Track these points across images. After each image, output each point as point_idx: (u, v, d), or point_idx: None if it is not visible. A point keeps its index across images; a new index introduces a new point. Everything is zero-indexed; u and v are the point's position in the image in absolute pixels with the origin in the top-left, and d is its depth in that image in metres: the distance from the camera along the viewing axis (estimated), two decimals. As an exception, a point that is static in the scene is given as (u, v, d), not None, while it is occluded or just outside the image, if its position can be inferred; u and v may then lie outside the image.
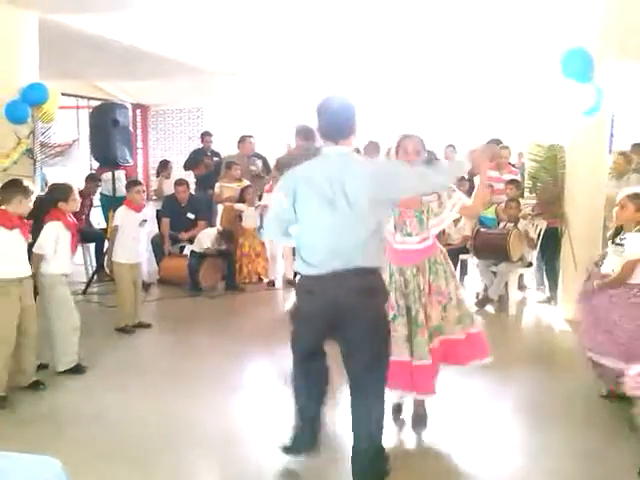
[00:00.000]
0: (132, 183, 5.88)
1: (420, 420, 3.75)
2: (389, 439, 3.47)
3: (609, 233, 4.36)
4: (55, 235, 4.43)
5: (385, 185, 2.85)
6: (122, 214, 5.62)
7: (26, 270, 4.13)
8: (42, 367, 4.49)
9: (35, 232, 4.33)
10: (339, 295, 2.82)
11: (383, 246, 3.07)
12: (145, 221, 5.89)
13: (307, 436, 3.20)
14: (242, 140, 8.61)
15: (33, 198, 4.10)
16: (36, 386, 4.22)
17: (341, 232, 2.82)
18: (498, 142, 8.07)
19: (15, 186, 4.06)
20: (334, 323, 2.90)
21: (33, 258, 4.31)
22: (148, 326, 5.76)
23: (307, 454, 3.21)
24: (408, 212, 3.51)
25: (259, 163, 8.63)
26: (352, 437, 2.98)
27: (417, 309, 3.49)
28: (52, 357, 4.53)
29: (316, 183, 2.86)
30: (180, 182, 7.77)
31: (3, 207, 4.02)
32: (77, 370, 4.55)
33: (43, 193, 5.23)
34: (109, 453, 3.36)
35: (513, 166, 8.05)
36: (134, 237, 5.65)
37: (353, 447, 2.99)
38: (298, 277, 3.21)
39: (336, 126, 2.91)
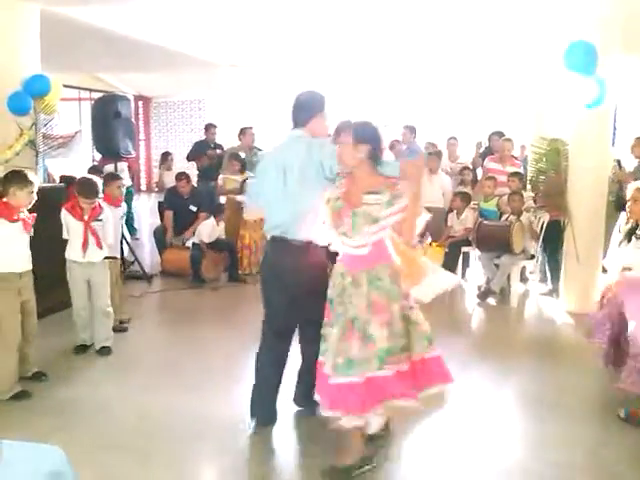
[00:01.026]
0: (109, 177, 5.56)
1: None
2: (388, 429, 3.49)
3: (625, 227, 4.31)
4: (64, 221, 4.63)
5: (315, 163, 3.21)
6: (107, 212, 5.23)
7: (26, 264, 4.10)
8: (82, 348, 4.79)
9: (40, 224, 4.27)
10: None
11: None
12: (124, 216, 5.82)
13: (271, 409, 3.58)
14: (242, 132, 8.63)
15: (34, 189, 4.03)
16: (38, 377, 4.25)
17: (283, 204, 3.31)
18: (501, 134, 8.06)
19: (10, 177, 4.01)
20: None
21: None
22: (125, 330, 5.40)
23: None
24: (347, 210, 2.98)
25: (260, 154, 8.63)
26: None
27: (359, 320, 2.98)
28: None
29: (275, 162, 3.36)
30: (180, 176, 7.75)
31: (4, 199, 4.00)
32: (77, 350, 4.77)
33: (49, 184, 5.23)
34: (112, 444, 3.38)
35: (516, 159, 8.04)
36: (116, 232, 5.38)
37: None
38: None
39: (295, 114, 3.42)
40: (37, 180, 4.16)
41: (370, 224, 2.92)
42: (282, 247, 3.39)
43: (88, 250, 4.64)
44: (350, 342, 2.93)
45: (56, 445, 1.93)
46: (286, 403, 3.80)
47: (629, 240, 4.06)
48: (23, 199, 3.98)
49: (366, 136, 2.97)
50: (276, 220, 3.40)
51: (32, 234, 4.13)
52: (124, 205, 5.77)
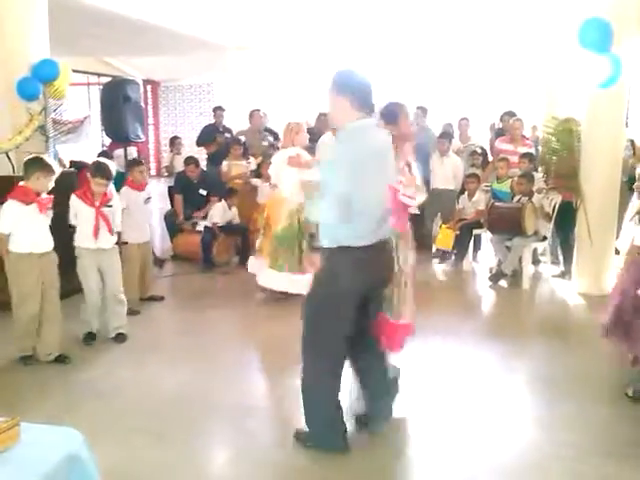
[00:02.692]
0: (134, 163, 5.84)
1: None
2: (401, 410, 3.50)
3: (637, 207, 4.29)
4: (73, 208, 4.61)
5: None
6: (126, 195, 5.52)
7: (46, 245, 4.19)
8: (90, 336, 4.76)
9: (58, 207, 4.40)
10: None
11: None
12: (149, 198, 5.88)
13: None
14: (251, 114, 8.63)
15: (54, 177, 4.14)
16: (61, 360, 4.30)
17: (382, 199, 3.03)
18: (512, 114, 7.96)
19: (35, 163, 4.12)
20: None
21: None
22: (161, 299, 5.84)
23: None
24: None
25: (270, 138, 8.62)
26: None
27: None
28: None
29: (370, 151, 2.93)
30: (189, 161, 7.75)
31: (22, 183, 4.11)
32: (87, 339, 4.75)
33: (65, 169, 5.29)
34: (127, 426, 3.41)
35: (527, 139, 7.94)
36: (141, 216, 5.64)
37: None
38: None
39: (367, 100, 2.99)
40: (58, 168, 4.24)
41: None
42: (382, 251, 3.05)
43: (99, 236, 4.64)
44: None
45: (73, 427, 1.96)
46: (289, 385, 3.82)
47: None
48: (45, 186, 4.12)
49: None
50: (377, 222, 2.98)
51: (50, 215, 4.21)
52: (148, 189, 5.82)
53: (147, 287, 5.80)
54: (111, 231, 4.72)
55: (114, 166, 4.86)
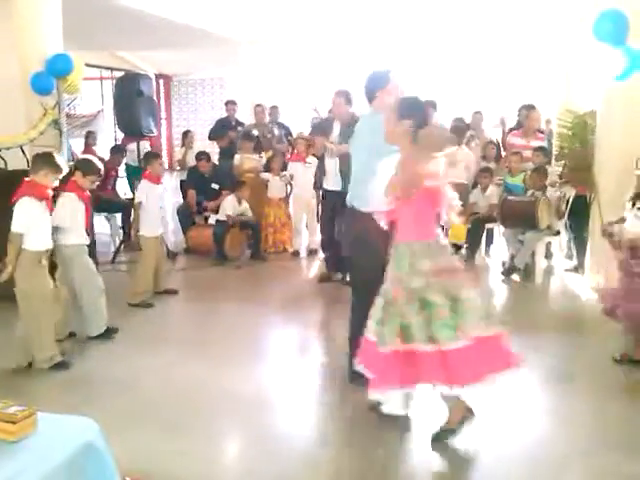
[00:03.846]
0: (152, 156, 5.82)
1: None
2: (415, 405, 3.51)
3: (629, 197, 4.32)
4: (70, 207, 4.41)
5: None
6: (145, 189, 5.56)
7: (50, 243, 4.13)
8: (71, 335, 4.62)
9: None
10: None
11: None
12: (165, 191, 5.92)
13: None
14: (254, 110, 8.72)
15: (60, 176, 4.09)
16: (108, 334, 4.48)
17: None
18: (531, 107, 7.85)
19: (46, 159, 4.03)
20: None
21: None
22: (175, 292, 5.87)
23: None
24: None
25: (276, 131, 8.64)
26: None
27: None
28: (82, 324, 4.62)
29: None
30: (200, 156, 7.78)
31: (30, 177, 4.02)
32: (108, 333, 4.66)
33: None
34: (142, 418, 3.45)
35: (541, 132, 7.85)
36: (158, 209, 5.69)
37: None
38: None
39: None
40: (65, 167, 4.19)
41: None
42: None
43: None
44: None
45: (89, 418, 1.98)
46: (302, 377, 3.85)
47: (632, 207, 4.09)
48: (51, 183, 4.04)
49: (409, 111, 3.12)
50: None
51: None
52: (164, 181, 5.86)
53: (160, 280, 5.83)
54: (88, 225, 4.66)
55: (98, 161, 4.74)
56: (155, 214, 5.63)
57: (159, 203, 5.76)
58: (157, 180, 5.65)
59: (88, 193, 4.59)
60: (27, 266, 3.97)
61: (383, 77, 3.68)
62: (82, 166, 4.55)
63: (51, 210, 4.16)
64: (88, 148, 9.32)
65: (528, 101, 8.32)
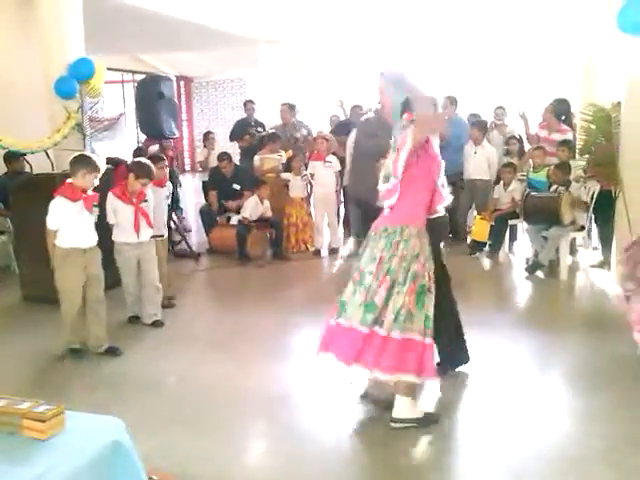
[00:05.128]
0: (154, 159, 5.58)
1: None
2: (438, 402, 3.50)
3: None
4: (111, 206, 4.72)
5: None
6: (149, 192, 5.34)
7: (90, 241, 4.29)
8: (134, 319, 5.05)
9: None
10: None
11: None
12: (169, 195, 5.87)
13: None
14: (280, 109, 8.71)
15: (98, 175, 4.21)
16: (112, 351, 4.41)
17: None
18: (564, 102, 7.72)
19: (81, 160, 4.20)
20: None
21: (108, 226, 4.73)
22: (174, 297, 5.65)
23: None
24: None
25: (304, 130, 8.65)
26: None
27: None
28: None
29: None
30: (222, 157, 7.82)
31: (70, 180, 4.21)
32: (132, 321, 5.00)
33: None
34: (167, 417, 3.48)
35: (565, 124, 7.61)
36: (162, 212, 5.55)
37: None
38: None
39: None
40: (103, 166, 4.31)
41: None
42: None
43: (140, 231, 4.78)
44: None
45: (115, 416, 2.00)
46: (326, 376, 3.85)
47: None
48: (90, 183, 4.18)
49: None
50: None
51: (95, 212, 4.30)
52: (169, 185, 5.86)
53: (165, 284, 5.51)
54: (150, 224, 4.87)
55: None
56: (160, 218, 5.45)
57: (164, 205, 5.62)
58: (160, 182, 5.50)
59: (134, 197, 4.77)
60: (57, 261, 4.22)
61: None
62: (135, 169, 4.78)
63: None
64: None
65: (550, 95, 8.22)
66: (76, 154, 4.35)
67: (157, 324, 4.98)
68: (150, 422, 3.37)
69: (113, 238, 4.81)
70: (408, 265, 3.13)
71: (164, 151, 8.79)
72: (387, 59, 11.11)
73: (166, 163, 5.84)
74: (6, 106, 6.53)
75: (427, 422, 3.28)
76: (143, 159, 5.08)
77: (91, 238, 4.30)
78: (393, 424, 3.24)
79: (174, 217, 7.30)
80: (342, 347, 3.25)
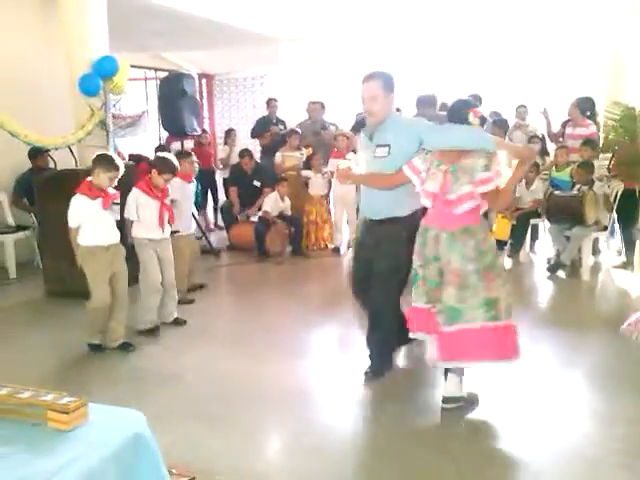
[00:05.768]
0: (183, 154, 5.82)
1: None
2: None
3: None
4: (135, 202, 4.70)
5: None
6: (179, 187, 5.54)
7: (112, 237, 4.32)
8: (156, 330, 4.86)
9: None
10: None
11: None
12: (194, 191, 6.01)
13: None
14: (309, 106, 8.70)
15: (118, 175, 4.23)
16: (125, 347, 4.45)
17: None
18: (588, 100, 7.62)
19: (98, 159, 4.25)
20: None
21: (126, 222, 4.72)
22: (202, 286, 5.93)
23: None
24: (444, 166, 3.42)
25: (332, 127, 8.64)
26: None
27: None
28: (134, 316, 4.79)
29: None
30: (243, 154, 7.86)
31: (89, 178, 4.27)
32: (153, 332, 4.78)
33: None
34: (187, 411, 3.52)
35: (587, 120, 7.46)
36: (189, 207, 5.74)
37: None
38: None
39: None
40: (122, 166, 4.31)
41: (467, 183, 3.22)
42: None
43: (164, 227, 4.81)
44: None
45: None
46: (345, 373, 3.85)
47: None
48: (105, 182, 4.21)
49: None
50: None
51: (113, 209, 4.34)
52: (195, 182, 5.94)
53: (192, 278, 5.87)
54: (173, 220, 4.91)
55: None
56: (187, 212, 5.67)
57: (190, 201, 5.79)
58: (188, 178, 5.67)
59: (159, 193, 4.78)
60: (82, 259, 4.27)
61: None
62: (158, 164, 4.80)
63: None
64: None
65: (573, 93, 8.12)
66: (97, 153, 4.38)
67: (179, 321, 5.01)
68: (169, 416, 3.41)
69: (134, 234, 4.79)
70: (494, 257, 3.33)
71: (201, 147, 8.95)
72: (409, 57, 11.07)
73: (194, 159, 5.93)
74: (31, 103, 6.62)
75: (472, 401, 3.51)
76: (166, 154, 5.11)
77: (113, 235, 4.34)
78: (445, 405, 3.43)
79: (195, 214, 7.35)
80: (475, 349, 3.30)
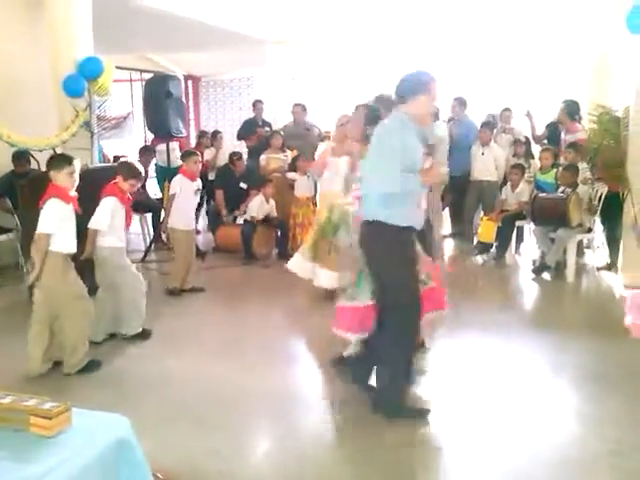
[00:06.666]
0: (189, 153, 6.05)
1: None
2: (445, 403, 3.49)
3: None
4: (111, 211, 4.46)
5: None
6: (179, 182, 5.80)
7: (74, 247, 4.07)
8: (112, 336, 4.68)
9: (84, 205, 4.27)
10: None
11: None
12: (199, 190, 6.09)
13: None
14: (293, 109, 8.72)
15: (73, 170, 3.98)
16: (88, 369, 4.13)
17: None
18: (574, 103, 7.67)
19: (50, 161, 4.09)
20: None
21: (90, 234, 4.41)
22: (201, 290, 5.96)
23: None
24: None
25: (315, 129, 8.66)
26: None
27: None
28: (121, 324, 4.69)
29: None
30: (234, 156, 7.87)
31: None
32: (143, 335, 4.72)
33: (102, 165, 5.36)
34: (173, 415, 3.49)
35: (577, 124, 7.43)
36: (190, 204, 5.90)
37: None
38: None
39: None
40: (77, 162, 4.07)
41: None
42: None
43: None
44: None
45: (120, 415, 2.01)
46: (332, 375, 3.85)
47: None
48: (62, 181, 3.94)
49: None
50: None
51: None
52: (198, 180, 6.01)
53: (187, 278, 5.94)
54: (128, 227, 4.79)
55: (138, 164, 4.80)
56: (187, 209, 5.83)
57: (193, 199, 5.94)
58: (192, 176, 5.83)
59: (129, 197, 4.65)
60: (57, 268, 3.95)
61: (426, 80, 3.31)
62: (123, 170, 4.60)
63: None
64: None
65: (557, 96, 8.19)
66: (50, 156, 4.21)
67: (146, 332, 4.78)
68: (155, 420, 3.38)
69: (106, 244, 4.49)
70: None
71: (199, 148, 8.95)
72: (396, 59, 11.10)
73: (199, 158, 6.08)
74: (15, 104, 6.56)
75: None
76: (128, 159, 5.07)
77: (74, 244, 4.07)
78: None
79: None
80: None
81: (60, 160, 4.04)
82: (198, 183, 5.99)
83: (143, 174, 4.86)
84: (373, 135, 3.36)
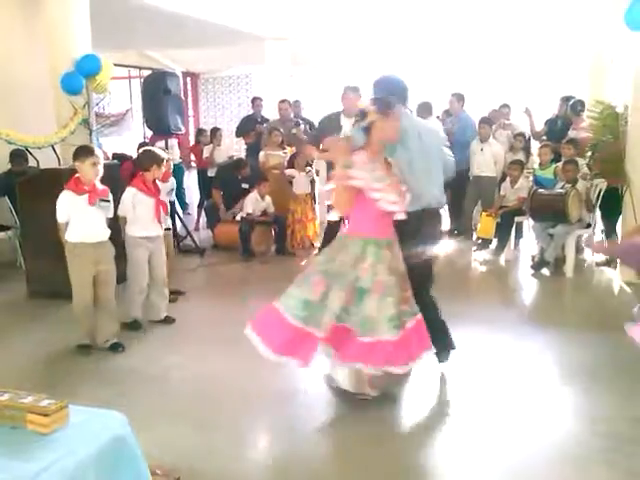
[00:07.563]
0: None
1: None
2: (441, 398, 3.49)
3: None
4: (131, 200, 4.65)
5: None
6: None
7: (100, 235, 4.25)
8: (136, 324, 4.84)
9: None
10: None
11: None
12: (173, 190, 6.04)
13: None
14: (278, 105, 8.71)
15: (96, 161, 4.15)
16: (115, 347, 4.38)
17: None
18: (570, 99, 7.65)
19: (75, 152, 4.21)
20: None
21: (120, 220, 4.68)
22: (181, 293, 5.75)
23: None
24: None
25: (301, 125, 8.64)
26: None
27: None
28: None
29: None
30: (240, 164, 7.82)
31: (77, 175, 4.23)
32: (134, 326, 4.78)
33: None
34: (171, 413, 3.49)
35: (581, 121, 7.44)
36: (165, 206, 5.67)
37: None
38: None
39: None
40: (100, 153, 4.28)
41: None
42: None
43: (161, 223, 4.80)
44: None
45: (119, 411, 2.01)
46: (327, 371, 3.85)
47: None
48: (86, 172, 4.15)
49: None
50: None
51: (102, 206, 4.23)
52: (172, 180, 5.91)
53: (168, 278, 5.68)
54: (166, 215, 4.96)
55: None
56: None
57: (165, 200, 5.62)
58: (163, 177, 5.44)
59: (156, 188, 4.79)
60: (67, 255, 4.23)
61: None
62: (141, 161, 4.81)
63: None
64: None
65: (557, 92, 8.19)
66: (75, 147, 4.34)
67: (169, 320, 4.95)
68: (154, 417, 3.38)
69: (129, 233, 4.71)
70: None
71: (197, 146, 8.96)
72: (395, 56, 11.08)
73: (170, 157, 5.90)
74: (13, 102, 6.56)
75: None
76: (146, 148, 5.11)
77: (101, 233, 4.26)
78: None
79: (180, 213, 7.33)
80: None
81: (84, 151, 4.22)
82: (171, 183, 5.85)
83: (165, 157, 4.89)
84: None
